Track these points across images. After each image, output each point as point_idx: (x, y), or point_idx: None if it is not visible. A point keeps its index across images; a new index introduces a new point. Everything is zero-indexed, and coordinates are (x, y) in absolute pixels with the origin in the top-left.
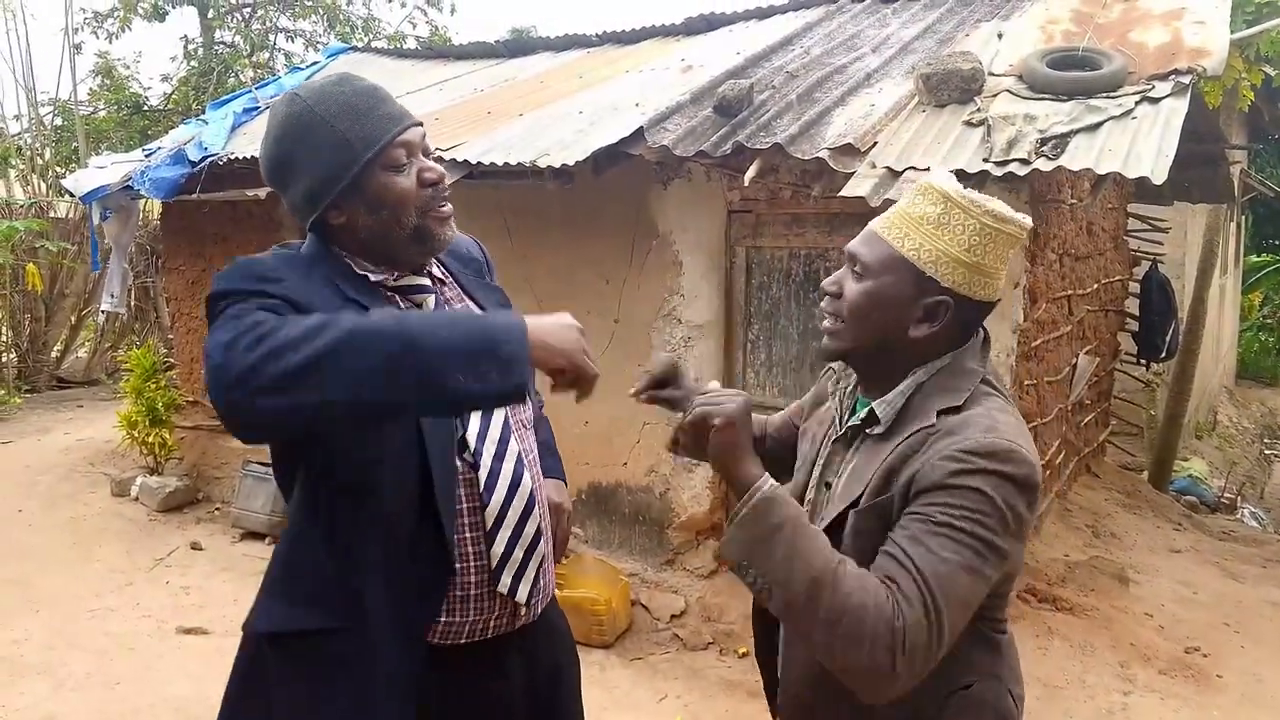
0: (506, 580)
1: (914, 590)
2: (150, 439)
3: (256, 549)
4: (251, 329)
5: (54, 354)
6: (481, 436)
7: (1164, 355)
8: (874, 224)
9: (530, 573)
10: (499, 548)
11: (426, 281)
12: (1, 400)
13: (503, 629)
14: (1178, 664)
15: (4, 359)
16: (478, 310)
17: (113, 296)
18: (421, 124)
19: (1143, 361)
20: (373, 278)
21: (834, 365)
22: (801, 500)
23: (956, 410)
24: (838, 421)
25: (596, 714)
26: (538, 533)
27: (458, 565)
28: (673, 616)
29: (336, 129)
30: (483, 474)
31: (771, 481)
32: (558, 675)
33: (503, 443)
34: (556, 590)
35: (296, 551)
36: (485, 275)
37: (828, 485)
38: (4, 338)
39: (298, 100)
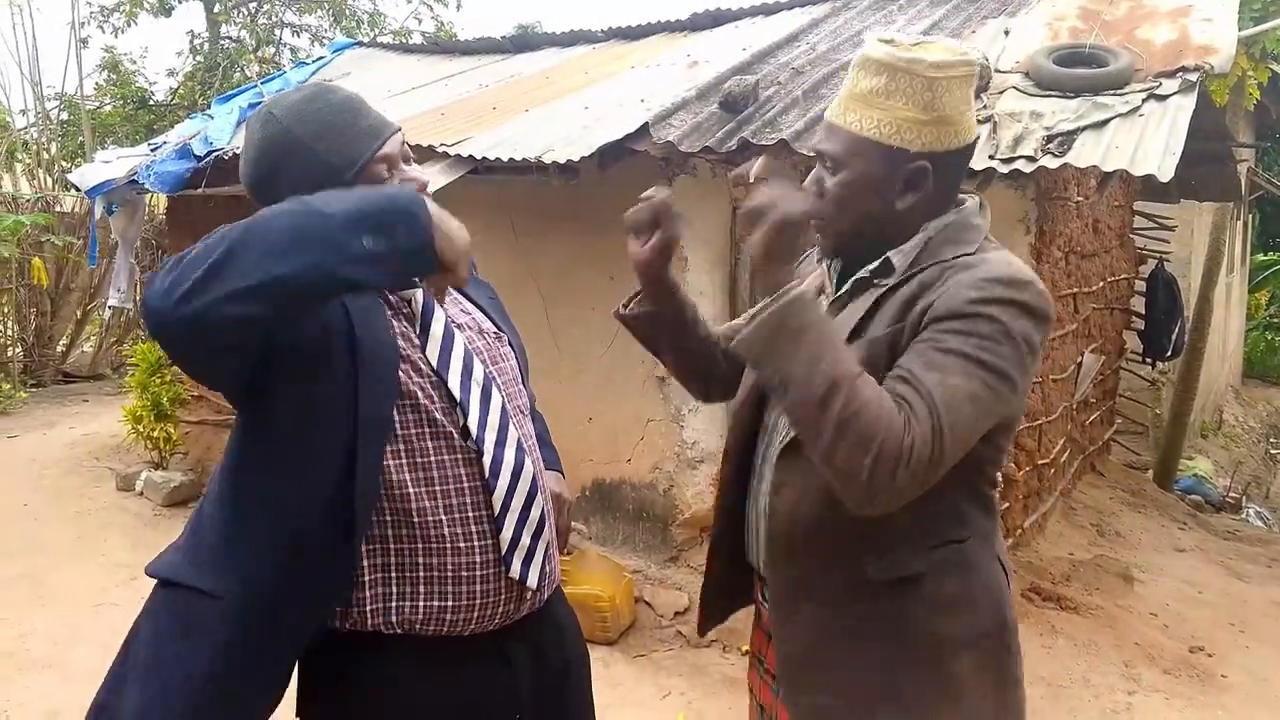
0: (516, 565)
1: (924, 411)
2: (155, 434)
3: None
4: (173, 261)
5: (59, 348)
6: (481, 424)
7: (1170, 354)
8: (827, 115)
9: (538, 558)
10: (507, 532)
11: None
12: (7, 394)
13: (509, 618)
14: (1182, 663)
15: (9, 353)
16: (472, 306)
17: (120, 291)
18: (400, 129)
19: (1148, 360)
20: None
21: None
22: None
23: (965, 257)
24: (830, 288)
25: (600, 710)
26: (542, 517)
27: (463, 545)
28: (676, 613)
29: (316, 150)
30: (487, 460)
31: (804, 287)
32: (566, 671)
33: (502, 429)
34: (561, 585)
35: (206, 513)
36: (471, 270)
37: None
38: (10, 332)
39: (273, 121)
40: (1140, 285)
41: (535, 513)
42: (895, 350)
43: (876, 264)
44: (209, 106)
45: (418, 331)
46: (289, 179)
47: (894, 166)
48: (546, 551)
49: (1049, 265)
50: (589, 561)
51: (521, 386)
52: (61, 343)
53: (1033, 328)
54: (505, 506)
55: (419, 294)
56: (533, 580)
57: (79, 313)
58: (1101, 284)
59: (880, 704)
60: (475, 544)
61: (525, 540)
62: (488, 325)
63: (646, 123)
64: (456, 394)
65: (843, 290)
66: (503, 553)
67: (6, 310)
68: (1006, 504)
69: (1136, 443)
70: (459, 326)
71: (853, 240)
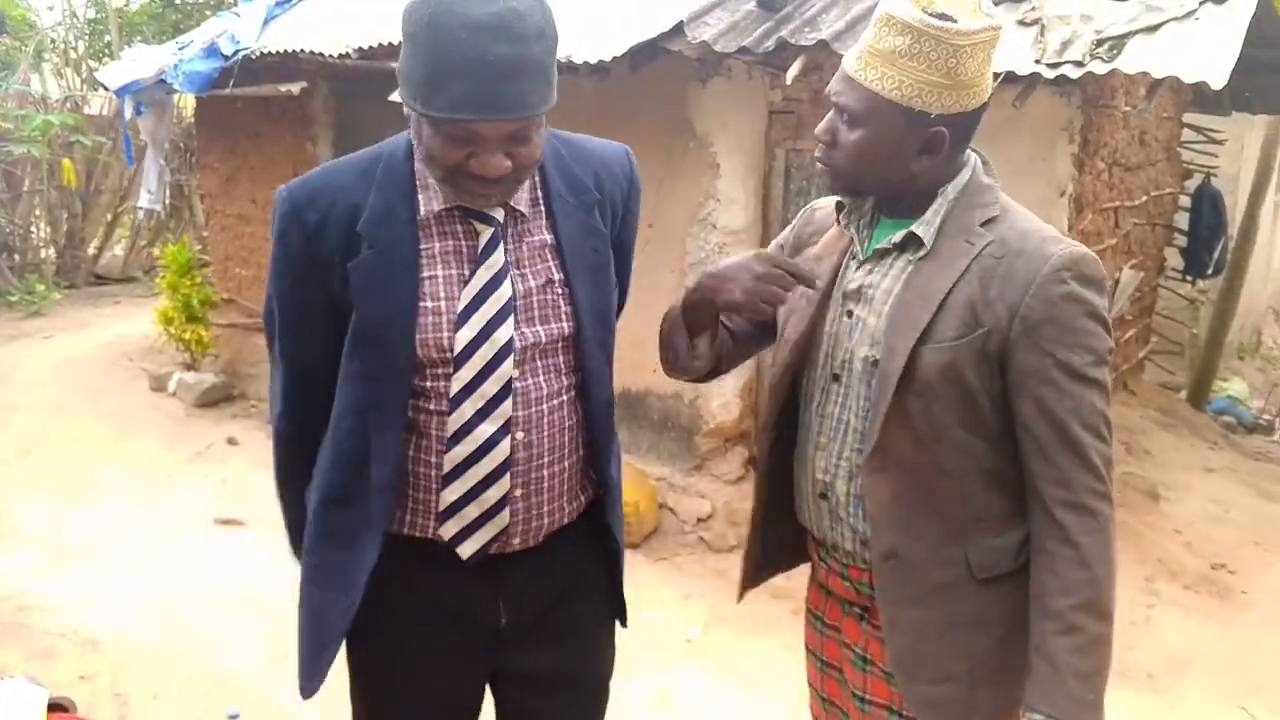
0: (450, 530)
1: (1095, 481)
2: (186, 335)
3: None
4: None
5: (91, 250)
6: (469, 390)
7: (1211, 272)
8: (846, 64)
9: (482, 534)
10: (449, 496)
11: (492, 214)
12: (42, 295)
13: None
14: (1203, 580)
15: (42, 254)
16: (551, 254)
17: (150, 193)
18: (514, 123)
19: (1188, 278)
20: (436, 206)
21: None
22: (813, 335)
23: (993, 221)
24: (858, 247)
25: None
26: (502, 500)
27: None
28: (699, 520)
29: (423, 66)
30: (454, 422)
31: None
32: (562, 598)
33: (493, 401)
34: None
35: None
36: (599, 211)
37: (849, 314)
38: (42, 233)
39: (429, 3)
40: (1185, 200)
41: (494, 493)
42: (985, 353)
43: (900, 237)
44: (236, 4)
45: (468, 267)
46: (404, 61)
47: (912, 128)
48: (500, 535)
49: (1091, 177)
50: None
51: (568, 356)
52: (93, 244)
53: (1103, 294)
54: (455, 474)
55: (488, 233)
56: (466, 551)
57: (109, 215)
58: (1145, 198)
59: (990, 686)
60: (420, 498)
61: (469, 512)
62: (559, 276)
63: (681, 21)
64: (456, 349)
65: (868, 255)
66: (439, 513)
67: (38, 212)
68: None
69: (1172, 362)
70: (521, 274)
71: (862, 191)
